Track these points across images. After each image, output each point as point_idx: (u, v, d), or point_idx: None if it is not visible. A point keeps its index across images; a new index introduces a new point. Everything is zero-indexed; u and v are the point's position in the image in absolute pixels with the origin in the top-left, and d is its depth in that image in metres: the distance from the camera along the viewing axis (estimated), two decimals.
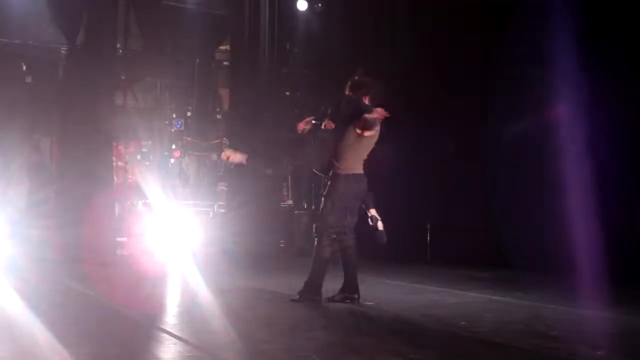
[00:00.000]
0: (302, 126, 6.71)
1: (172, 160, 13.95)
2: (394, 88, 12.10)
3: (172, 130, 14.27)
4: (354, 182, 6.46)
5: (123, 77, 13.74)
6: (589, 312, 6.20)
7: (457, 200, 11.18)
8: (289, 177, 14.46)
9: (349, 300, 6.49)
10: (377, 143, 6.68)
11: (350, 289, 6.56)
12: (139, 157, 13.57)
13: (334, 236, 6.52)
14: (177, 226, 11.22)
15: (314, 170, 6.96)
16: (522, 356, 4.49)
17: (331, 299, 6.52)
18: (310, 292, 6.49)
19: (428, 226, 11.91)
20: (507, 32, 9.58)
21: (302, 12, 14.00)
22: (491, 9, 10.38)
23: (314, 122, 6.64)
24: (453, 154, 11.33)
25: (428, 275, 9.31)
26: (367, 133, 6.36)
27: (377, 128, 6.43)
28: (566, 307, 6.48)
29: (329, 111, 6.56)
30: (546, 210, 9.37)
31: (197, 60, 14.72)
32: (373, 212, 6.64)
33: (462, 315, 6.02)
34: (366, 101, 6.48)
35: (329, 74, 13.75)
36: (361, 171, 6.53)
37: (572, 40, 8.61)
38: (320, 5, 14.10)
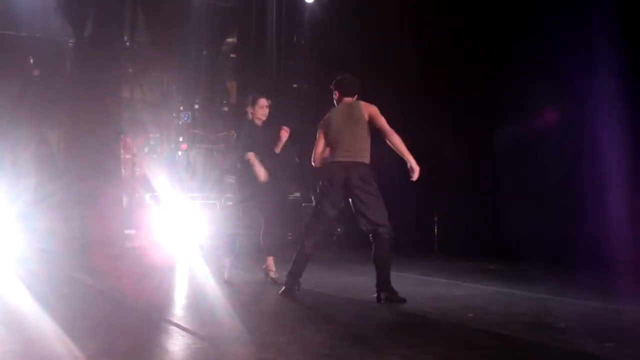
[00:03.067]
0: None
1: (180, 153, 13.96)
2: (399, 82, 12.23)
3: (180, 122, 14.28)
4: (327, 170, 6.49)
5: (130, 70, 13.76)
6: (597, 304, 6.18)
7: (464, 193, 11.17)
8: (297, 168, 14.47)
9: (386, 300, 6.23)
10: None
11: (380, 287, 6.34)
12: (146, 150, 13.58)
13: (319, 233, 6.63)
14: (185, 219, 11.22)
15: None
16: (529, 348, 4.48)
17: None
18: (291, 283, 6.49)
19: (435, 219, 11.91)
20: (515, 31, 9.62)
21: (309, 4, 13.98)
22: (499, 9, 10.36)
23: None
24: (462, 147, 11.31)
25: (435, 267, 9.31)
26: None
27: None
28: (574, 299, 6.47)
29: None
30: (553, 203, 9.36)
31: (204, 53, 14.72)
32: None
33: (469, 307, 6.02)
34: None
35: (336, 65, 13.73)
36: (336, 159, 6.44)
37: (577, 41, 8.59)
38: None
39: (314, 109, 14.56)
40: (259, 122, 7.69)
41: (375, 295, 6.27)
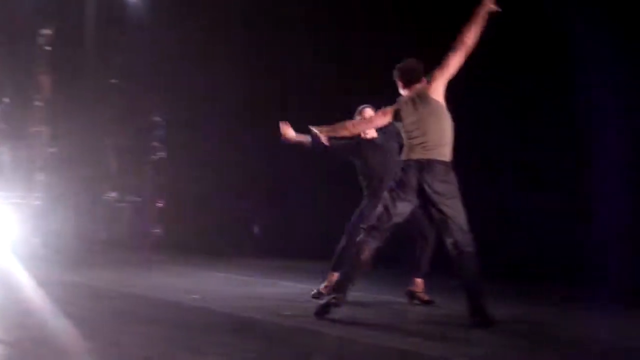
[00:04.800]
0: None
1: None
2: (227, 78, 12.28)
3: None
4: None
5: None
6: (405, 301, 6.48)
7: (287, 194, 11.38)
8: (114, 167, 14.17)
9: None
10: None
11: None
12: None
13: None
14: None
15: None
16: (341, 343, 4.62)
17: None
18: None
19: (255, 219, 12.04)
20: None
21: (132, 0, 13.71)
22: None
23: None
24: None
25: (254, 267, 9.40)
26: None
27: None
28: (385, 297, 6.75)
29: None
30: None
31: (16, 44, 13.97)
32: None
33: (288, 305, 6.14)
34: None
35: (158, 63, 13.55)
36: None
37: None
38: None
39: (134, 106, 14.30)
40: (374, 135, 6.64)
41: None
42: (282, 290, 7.23)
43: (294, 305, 6.19)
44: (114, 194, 13.98)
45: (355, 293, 6.87)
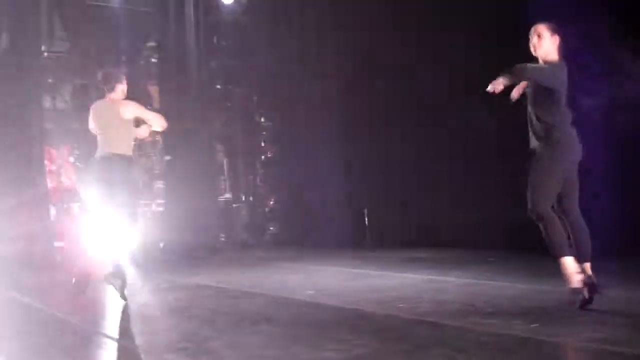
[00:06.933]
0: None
1: None
2: (320, 80, 12.38)
3: None
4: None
5: (50, 80, 13.49)
6: (524, 286, 6.39)
7: (391, 183, 11.35)
8: (226, 170, 14.55)
9: None
10: None
11: None
12: (72, 159, 13.37)
13: None
14: (115, 227, 11.07)
15: None
16: (459, 334, 4.61)
17: None
18: None
19: (365, 211, 12.06)
20: None
21: (227, 4, 14.03)
22: None
23: None
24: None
25: (368, 259, 9.44)
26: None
27: None
28: (503, 283, 6.66)
29: None
30: (479, 188, 9.54)
31: (123, 58, 14.53)
32: None
33: (402, 297, 6.15)
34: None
35: (258, 65, 13.80)
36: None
37: None
38: None
39: (240, 109, 14.65)
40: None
41: None
42: (395, 282, 7.25)
43: (408, 297, 6.20)
44: (228, 195, 14.37)
45: (470, 280, 6.90)
